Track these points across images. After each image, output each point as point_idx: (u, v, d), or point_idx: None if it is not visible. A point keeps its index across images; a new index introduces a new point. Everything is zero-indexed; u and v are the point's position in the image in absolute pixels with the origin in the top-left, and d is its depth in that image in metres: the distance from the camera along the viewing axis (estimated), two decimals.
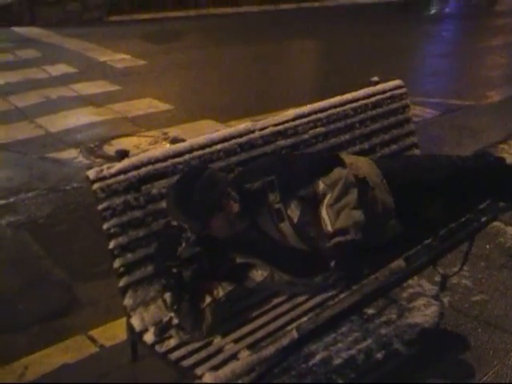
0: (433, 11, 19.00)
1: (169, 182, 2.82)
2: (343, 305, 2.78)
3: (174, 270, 2.59)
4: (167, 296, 2.61)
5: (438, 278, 4.01)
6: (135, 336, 2.93)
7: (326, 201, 2.85)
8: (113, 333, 3.48)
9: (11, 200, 5.34)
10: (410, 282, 3.98)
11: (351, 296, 2.83)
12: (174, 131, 6.78)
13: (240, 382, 2.37)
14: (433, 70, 10.76)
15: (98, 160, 6.16)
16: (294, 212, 2.80)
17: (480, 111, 8.24)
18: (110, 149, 6.38)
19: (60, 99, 8.37)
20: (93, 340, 3.48)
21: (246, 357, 2.44)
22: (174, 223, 2.66)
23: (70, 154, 6.39)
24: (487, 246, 4.51)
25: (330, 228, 2.80)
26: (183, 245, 2.60)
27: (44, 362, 3.30)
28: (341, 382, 3.14)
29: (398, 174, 3.22)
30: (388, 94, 3.93)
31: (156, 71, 9.94)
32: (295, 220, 2.79)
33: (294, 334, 2.56)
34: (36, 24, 13.81)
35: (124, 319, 3.20)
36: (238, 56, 10.92)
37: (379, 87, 3.92)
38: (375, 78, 3.95)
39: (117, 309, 3.49)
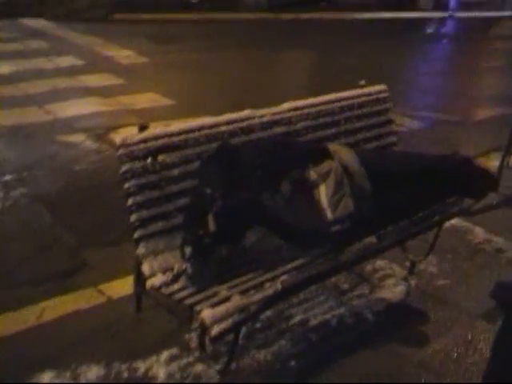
0: (430, 31, 19.51)
1: (180, 154, 3.33)
2: (321, 268, 3.30)
3: (200, 232, 3.08)
4: (187, 249, 3.10)
5: (407, 264, 4.49)
6: (140, 288, 3.44)
7: (322, 190, 3.37)
8: (119, 288, 3.96)
9: (24, 175, 5.82)
10: (382, 264, 4.48)
11: (328, 262, 3.35)
12: (176, 124, 7.20)
13: (230, 319, 2.88)
14: (425, 86, 11.26)
15: (105, 146, 6.65)
16: (285, 188, 3.31)
17: (465, 127, 8.74)
18: (115, 136, 6.82)
19: (67, 89, 8.86)
20: (101, 293, 3.96)
21: (237, 300, 2.94)
22: (208, 191, 3.13)
23: (78, 138, 6.87)
24: (455, 242, 5.00)
25: (330, 215, 3.33)
26: (213, 210, 3.07)
27: (58, 308, 3.79)
28: (314, 339, 3.63)
29: (376, 163, 3.72)
30: (373, 97, 4.44)
31: (158, 69, 10.41)
32: (286, 195, 3.30)
33: (278, 287, 3.07)
34: (43, 17, 14.28)
35: (128, 278, 3.73)
36: (237, 60, 11.39)
37: (365, 90, 4.43)
38: (362, 82, 4.46)
39: (122, 271, 4.01)
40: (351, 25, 17.61)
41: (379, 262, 4.47)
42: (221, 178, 3.13)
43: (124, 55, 11.23)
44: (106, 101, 8.34)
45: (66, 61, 10.51)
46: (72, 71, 9.82)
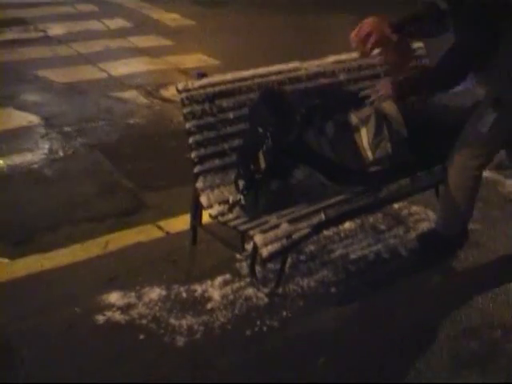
0: None
1: (235, 99, 3.71)
2: (360, 203, 3.67)
3: (252, 167, 3.46)
4: (241, 182, 3.49)
5: None
6: (196, 221, 3.85)
7: (363, 133, 3.71)
8: (176, 225, 4.37)
9: (83, 126, 6.25)
10: (418, 209, 4.79)
11: (367, 198, 3.71)
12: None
13: (279, 243, 3.26)
14: None
15: (156, 100, 7.07)
16: (330, 130, 3.66)
17: None
18: (166, 93, 7.26)
19: (119, 49, 9.27)
20: (160, 228, 4.37)
21: (285, 227, 3.32)
22: (260, 130, 3.49)
23: (131, 94, 7.29)
24: (487, 193, 5.26)
25: (370, 156, 3.69)
26: (264, 148, 3.44)
27: (121, 240, 4.21)
28: (353, 270, 3.99)
29: (415, 111, 4.04)
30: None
31: (205, 31, 10.68)
32: (330, 136, 3.65)
33: (322, 217, 3.45)
34: None
35: (183, 216, 4.14)
36: (282, 25, 11.58)
37: None
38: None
39: (177, 210, 4.42)
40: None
41: (414, 208, 4.79)
42: (270, 119, 3.48)
43: (171, 18, 11.55)
44: (155, 60, 8.72)
45: (116, 23, 10.89)
46: (122, 32, 10.21)
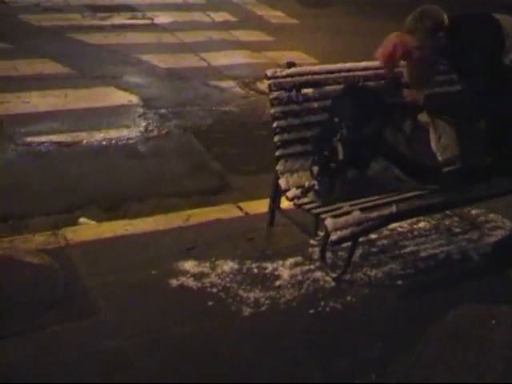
0: None
1: (320, 90, 3.87)
2: (433, 201, 3.77)
3: (326, 153, 3.63)
4: (315, 168, 3.66)
5: None
6: (275, 203, 4.03)
7: (431, 136, 3.82)
8: (256, 207, 4.56)
9: (179, 110, 6.56)
10: (495, 217, 4.80)
11: (440, 197, 3.80)
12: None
13: (349, 229, 3.41)
14: None
15: (252, 92, 7.32)
16: (407, 128, 3.79)
17: None
18: (262, 85, 7.45)
19: (221, 41, 9.57)
20: (240, 208, 4.58)
21: (357, 214, 3.47)
22: (336, 120, 3.66)
23: (229, 84, 7.58)
24: None
25: (440, 158, 3.82)
26: (338, 136, 3.61)
27: (203, 215, 4.44)
28: (422, 266, 4.08)
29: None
30: None
31: (306, 30, 10.85)
32: (407, 135, 3.78)
33: (394, 209, 3.57)
34: None
35: (263, 201, 4.32)
36: (382, 29, 11.55)
37: None
38: None
39: (258, 194, 4.61)
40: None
41: (492, 215, 4.80)
42: (350, 112, 3.64)
43: (274, 15, 11.79)
44: (255, 54, 8.96)
45: (221, 16, 11.20)
46: (225, 25, 10.53)
